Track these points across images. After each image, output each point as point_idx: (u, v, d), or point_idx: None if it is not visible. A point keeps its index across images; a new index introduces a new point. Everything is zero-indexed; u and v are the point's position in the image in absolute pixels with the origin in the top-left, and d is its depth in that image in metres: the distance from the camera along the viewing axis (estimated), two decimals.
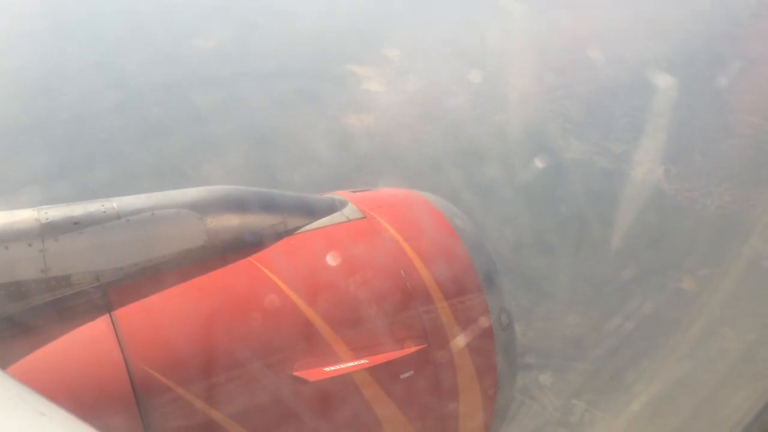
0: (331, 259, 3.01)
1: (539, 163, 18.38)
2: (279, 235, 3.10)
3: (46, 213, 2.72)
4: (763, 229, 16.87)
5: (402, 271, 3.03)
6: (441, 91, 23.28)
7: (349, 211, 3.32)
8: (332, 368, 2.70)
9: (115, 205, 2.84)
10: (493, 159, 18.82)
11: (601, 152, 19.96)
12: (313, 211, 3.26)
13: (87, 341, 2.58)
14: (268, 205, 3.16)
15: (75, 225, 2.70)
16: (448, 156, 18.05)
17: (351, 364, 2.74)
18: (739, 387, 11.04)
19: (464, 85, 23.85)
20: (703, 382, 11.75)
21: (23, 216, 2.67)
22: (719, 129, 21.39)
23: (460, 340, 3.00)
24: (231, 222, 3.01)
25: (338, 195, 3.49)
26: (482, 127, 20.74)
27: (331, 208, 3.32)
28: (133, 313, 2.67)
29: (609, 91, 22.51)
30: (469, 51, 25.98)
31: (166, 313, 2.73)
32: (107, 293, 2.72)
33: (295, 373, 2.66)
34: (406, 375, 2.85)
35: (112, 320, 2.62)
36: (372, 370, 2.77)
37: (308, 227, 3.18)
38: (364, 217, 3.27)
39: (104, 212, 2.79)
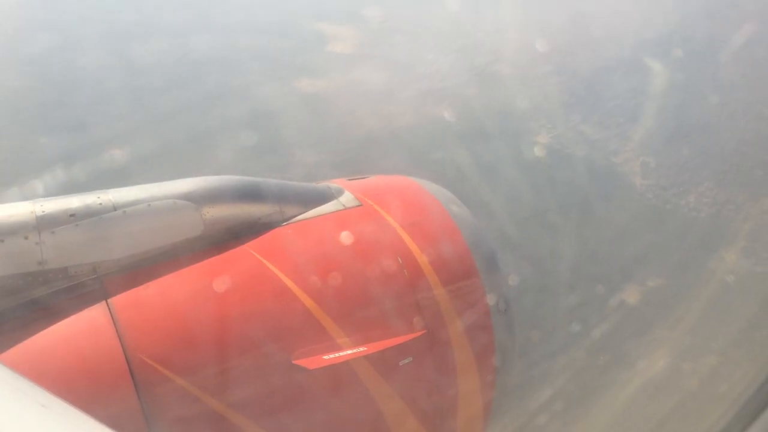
0: (329, 247, 3.05)
1: (498, 144, 16.58)
2: (276, 224, 3.12)
3: (41, 205, 2.72)
4: (740, 239, 14.82)
5: (399, 258, 3.04)
6: (416, 60, 21.38)
7: (346, 199, 3.34)
8: (331, 356, 2.71)
9: (111, 196, 2.86)
10: (449, 137, 17.05)
11: (573, 137, 17.94)
12: (309, 200, 3.27)
13: (85, 333, 2.60)
14: (264, 194, 3.17)
15: (71, 217, 2.72)
16: (392, 133, 16.28)
17: (350, 351, 2.75)
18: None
19: (443, 54, 21.89)
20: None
21: (19, 209, 2.69)
22: (718, 119, 19.06)
23: (458, 326, 3.01)
24: (227, 212, 3.03)
25: (334, 183, 3.50)
26: (447, 101, 18.88)
27: (328, 196, 3.34)
28: (131, 304, 2.70)
29: (596, 70, 20.30)
30: (458, 20, 23.88)
31: (164, 304, 2.74)
32: (105, 284, 2.75)
33: (294, 362, 2.67)
34: (406, 362, 2.86)
35: (110, 311, 2.65)
36: (371, 357, 2.78)
37: (305, 215, 3.21)
38: (361, 205, 3.30)
39: (100, 204, 2.80)
